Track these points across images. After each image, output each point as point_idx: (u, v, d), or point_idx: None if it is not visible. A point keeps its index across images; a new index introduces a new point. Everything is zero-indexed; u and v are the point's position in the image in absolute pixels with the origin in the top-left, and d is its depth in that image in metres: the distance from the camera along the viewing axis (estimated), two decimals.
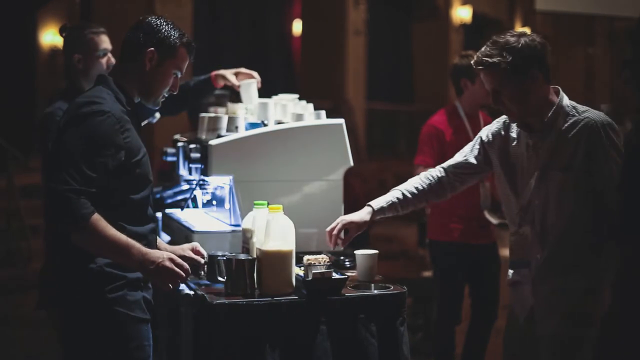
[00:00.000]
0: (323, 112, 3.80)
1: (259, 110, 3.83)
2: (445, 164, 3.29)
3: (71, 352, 2.79)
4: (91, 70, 3.93)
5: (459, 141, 4.16)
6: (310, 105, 3.95)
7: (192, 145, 3.60)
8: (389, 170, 13.18)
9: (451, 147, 4.27)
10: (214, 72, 4.13)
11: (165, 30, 2.89)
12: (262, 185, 3.49)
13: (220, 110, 3.99)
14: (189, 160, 3.60)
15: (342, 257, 3.57)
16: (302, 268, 3.08)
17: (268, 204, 3.14)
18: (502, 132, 3.16)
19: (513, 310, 3.20)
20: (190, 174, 3.71)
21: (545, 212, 3.01)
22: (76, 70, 3.94)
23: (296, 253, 3.09)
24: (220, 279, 3.11)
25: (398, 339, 3.10)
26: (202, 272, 3.17)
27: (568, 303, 3.02)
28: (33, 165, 8.79)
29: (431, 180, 3.26)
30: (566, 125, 2.97)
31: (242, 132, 3.60)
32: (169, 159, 3.98)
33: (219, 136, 3.55)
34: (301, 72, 14.12)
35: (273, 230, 3.03)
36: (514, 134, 3.12)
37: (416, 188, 3.24)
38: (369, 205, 3.22)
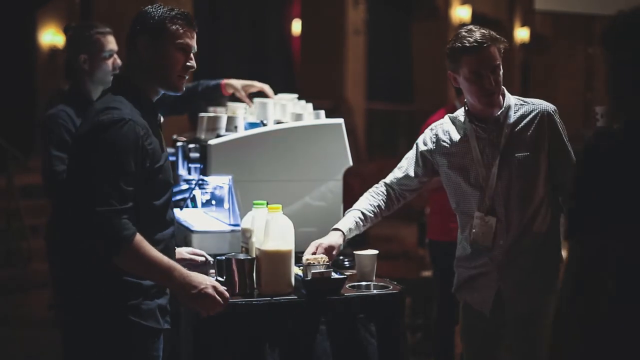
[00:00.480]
0: (322, 112, 3.80)
1: (258, 110, 3.83)
2: (388, 180, 3.40)
3: (75, 356, 2.73)
4: (97, 71, 3.92)
5: None
6: (310, 105, 3.95)
7: (191, 145, 3.61)
8: (389, 170, 13.13)
9: None
10: (225, 80, 4.09)
11: (149, 14, 2.75)
12: (262, 185, 3.49)
13: (220, 110, 3.99)
14: (188, 160, 3.60)
15: (341, 257, 3.57)
16: (302, 268, 3.08)
17: (267, 203, 3.14)
18: (440, 136, 3.28)
19: (471, 307, 3.26)
20: (189, 173, 3.71)
21: (509, 197, 3.13)
22: (81, 70, 3.92)
23: (295, 253, 3.09)
24: (219, 278, 3.11)
25: (397, 338, 3.10)
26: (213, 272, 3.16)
27: (541, 279, 3.17)
28: (33, 165, 8.78)
29: (382, 196, 3.36)
30: (519, 113, 3.16)
31: (241, 132, 3.60)
32: (168, 158, 3.98)
33: (218, 136, 3.55)
34: (301, 71, 14.11)
35: (272, 230, 3.03)
36: (454, 135, 3.23)
37: (372, 205, 3.33)
38: (338, 229, 3.24)
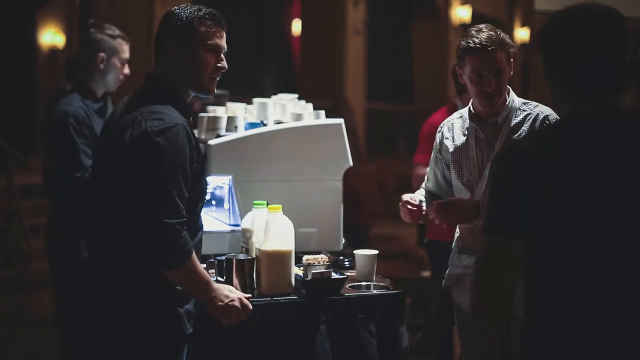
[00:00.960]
0: (322, 112, 3.80)
1: (258, 110, 3.83)
2: (425, 188, 3.39)
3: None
4: (109, 73, 3.99)
5: None
6: (310, 105, 3.95)
7: None
8: (389, 170, 13.17)
9: None
10: None
11: (176, 14, 2.67)
12: (262, 185, 3.49)
13: (220, 110, 4.00)
14: None
15: (341, 257, 3.58)
16: (302, 268, 3.08)
17: (267, 203, 3.15)
18: (445, 133, 3.30)
19: (459, 307, 3.26)
20: None
21: None
22: (94, 68, 3.97)
23: (295, 253, 3.09)
24: (219, 278, 3.11)
25: (397, 338, 3.10)
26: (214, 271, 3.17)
27: None
28: (33, 165, 8.78)
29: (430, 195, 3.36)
30: (519, 117, 3.13)
31: (241, 132, 3.60)
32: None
33: (219, 136, 3.55)
34: (300, 71, 14.11)
35: (272, 230, 3.04)
36: (457, 131, 3.24)
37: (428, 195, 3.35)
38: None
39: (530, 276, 1.95)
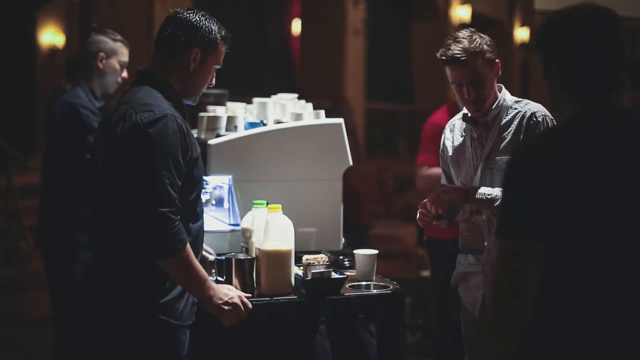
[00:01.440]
0: (322, 112, 3.80)
1: (258, 109, 3.83)
2: None
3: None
4: (108, 74, 4.05)
5: None
6: (310, 105, 3.95)
7: None
8: (389, 170, 13.16)
9: None
10: None
11: (206, 27, 2.74)
12: (261, 184, 3.49)
13: (220, 110, 3.99)
14: None
15: (341, 257, 3.58)
16: (302, 268, 3.08)
17: (267, 203, 3.14)
18: (446, 134, 3.31)
19: (464, 306, 3.25)
20: None
21: None
22: (94, 67, 4.03)
23: (295, 253, 3.09)
24: (219, 278, 3.11)
25: (397, 338, 3.10)
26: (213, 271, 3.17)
27: None
28: (33, 165, 8.79)
29: None
30: (509, 116, 3.12)
31: (241, 132, 3.60)
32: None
33: (218, 135, 3.55)
34: (300, 71, 14.11)
35: (272, 229, 3.03)
36: (457, 132, 3.24)
37: None
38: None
39: (541, 276, 1.92)
